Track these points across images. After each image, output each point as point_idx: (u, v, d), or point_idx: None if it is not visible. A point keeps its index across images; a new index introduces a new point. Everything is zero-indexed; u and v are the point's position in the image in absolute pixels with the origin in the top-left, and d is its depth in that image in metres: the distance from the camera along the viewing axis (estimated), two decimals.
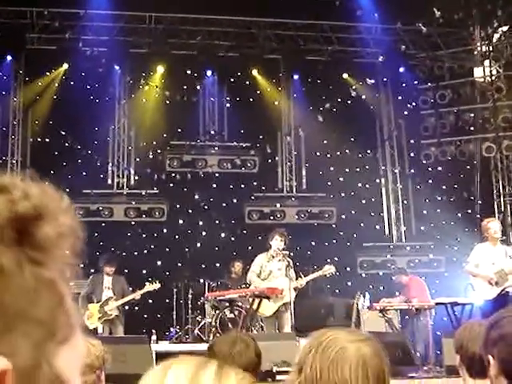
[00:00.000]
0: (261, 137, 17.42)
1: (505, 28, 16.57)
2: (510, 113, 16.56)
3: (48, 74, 16.43)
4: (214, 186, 17.09)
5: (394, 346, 10.45)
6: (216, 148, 17.40)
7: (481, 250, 11.01)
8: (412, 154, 18.00)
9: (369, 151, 18.00)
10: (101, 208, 16.02)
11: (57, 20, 15.51)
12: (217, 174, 17.12)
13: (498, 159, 17.02)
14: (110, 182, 16.83)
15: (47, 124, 16.19)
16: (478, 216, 15.47)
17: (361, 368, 2.13)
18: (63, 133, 16.22)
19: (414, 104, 17.58)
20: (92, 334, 10.86)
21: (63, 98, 15.98)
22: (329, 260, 13.91)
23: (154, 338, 12.74)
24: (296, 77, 17.58)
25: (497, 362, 2.48)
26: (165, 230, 16.52)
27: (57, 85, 16.38)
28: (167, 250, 16.24)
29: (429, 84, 17.19)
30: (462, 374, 3.51)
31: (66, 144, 16.19)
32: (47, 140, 16.37)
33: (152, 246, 16.30)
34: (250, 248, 14.94)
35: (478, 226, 11.56)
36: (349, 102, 17.56)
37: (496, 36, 16.85)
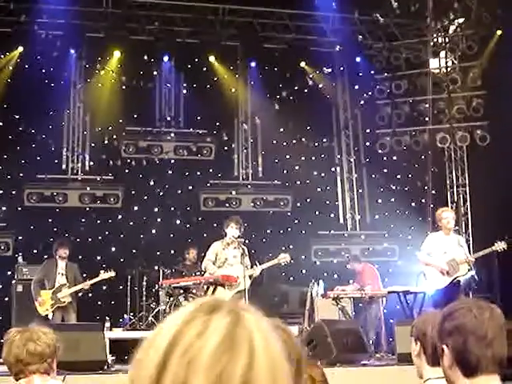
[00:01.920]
0: (217, 124, 17.39)
1: (461, 20, 16.74)
2: (464, 104, 16.74)
3: (2, 57, 16.16)
4: (170, 172, 17.03)
5: (346, 334, 10.54)
6: (172, 134, 17.32)
7: (434, 239, 11.14)
8: (367, 144, 18.14)
9: (325, 140, 18.09)
10: (55, 193, 15.86)
11: (11, 2, 15.25)
12: (172, 161, 17.05)
13: (451, 150, 17.22)
14: (64, 167, 16.66)
15: (1, 108, 15.91)
16: (432, 206, 15.66)
17: None
18: (17, 117, 16.00)
19: (370, 94, 17.68)
20: (45, 322, 10.79)
21: (17, 82, 15.75)
22: (284, 248, 13.96)
23: (107, 325, 12.68)
24: (253, 64, 17.55)
25: (451, 352, 2.51)
26: (119, 217, 16.42)
27: (11, 68, 16.11)
28: (122, 236, 16.15)
29: (385, 74, 17.30)
30: (418, 364, 3.54)
31: (20, 128, 15.98)
32: (1, 124, 16.11)
33: (106, 233, 16.20)
34: (205, 235, 14.93)
35: (431, 215, 11.70)
36: (305, 90, 17.60)
37: (452, 28, 17.01)
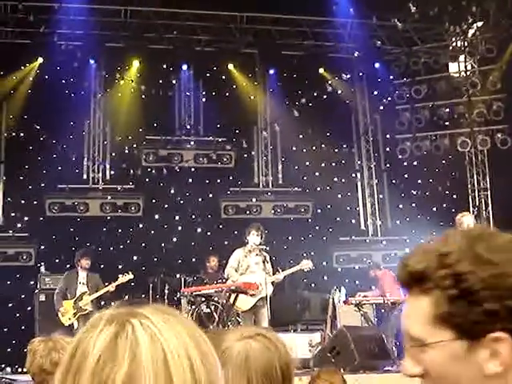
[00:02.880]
0: (237, 131, 17.41)
1: (479, 24, 16.67)
2: (484, 108, 16.67)
3: (22, 68, 16.28)
4: (190, 180, 17.05)
5: (369, 340, 10.50)
6: (192, 143, 17.35)
7: None
8: (387, 149, 18.08)
9: (344, 146, 18.05)
10: (76, 203, 15.93)
11: (31, 14, 15.36)
12: (193, 169, 17.08)
13: (472, 154, 17.13)
14: (85, 176, 16.74)
15: (22, 119, 16.05)
16: (453, 210, 15.57)
17: (243, 365, 2.05)
18: (38, 127, 16.10)
19: (389, 99, 17.64)
20: (68, 331, 10.83)
21: (38, 93, 15.86)
22: (305, 254, 13.94)
23: None
24: (272, 71, 17.57)
25: None
26: (140, 225, 16.46)
27: (31, 79, 16.25)
28: (143, 245, 16.20)
29: (404, 79, 17.26)
30: None
31: (41, 139, 16.08)
32: (22, 135, 16.23)
33: (128, 242, 16.24)
34: (226, 243, 14.94)
35: (452, 220, 11.61)
36: (324, 96, 17.58)
37: (471, 32, 16.95)
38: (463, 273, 1.36)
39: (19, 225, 15.86)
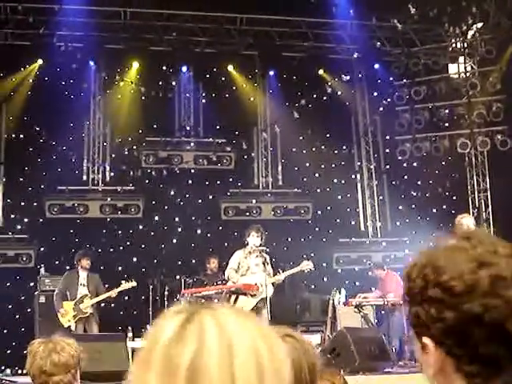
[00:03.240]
0: (236, 133, 17.40)
1: (479, 25, 16.68)
2: (484, 109, 16.68)
3: (22, 69, 16.28)
4: (190, 182, 17.06)
5: (369, 342, 10.50)
6: (192, 144, 17.35)
7: None
8: (387, 150, 18.08)
9: (344, 147, 18.05)
10: (76, 205, 15.92)
11: (31, 15, 15.36)
12: (192, 170, 17.08)
13: (472, 155, 17.14)
14: (85, 178, 16.73)
15: (22, 120, 16.05)
16: (453, 212, 15.57)
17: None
18: (38, 129, 16.11)
19: (389, 100, 17.64)
20: (68, 332, 10.82)
21: (38, 94, 15.87)
22: (305, 256, 13.92)
23: (130, 335, 12.72)
24: (272, 73, 17.57)
25: None
26: (140, 227, 16.46)
27: (31, 80, 16.25)
28: (143, 246, 16.20)
29: (404, 80, 17.26)
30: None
31: (41, 140, 16.08)
32: (21, 136, 16.23)
33: (128, 243, 16.24)
34: (226, 244, 14.97)
35: (452, 221, 11.62)
36: (324, 98, 17.60)
37: (470, 33, 16.95)
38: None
39: (19, 226, 15.86)
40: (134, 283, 12.65)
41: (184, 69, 17.21)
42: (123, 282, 12.63)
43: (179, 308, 1.28)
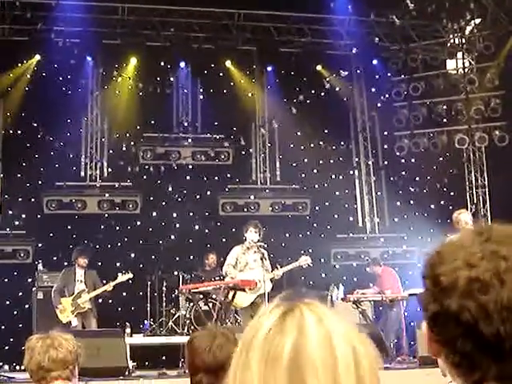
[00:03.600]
0: (234, 129, 17.39)
1: (477, 20, 16.67)
2: (482, 105, 16.67)
3: (20, 65, 16.25)
4: (188, 178, 17.05)
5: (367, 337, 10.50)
6: (189, 140, 17.34)
7: None
8: (385, 146, 18.07)
9: (342, 143, 18.05)
10: (74, 200, 15.90)
11: (28, 10, 15.32)
12: (190, 166, 17.07)
13: (470, 151, 17.14)
14: (82, 174, 16.72)
15: (19, 116, 16.03)
16: (451, 207, 15.57)
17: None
18: (35, 125, 16.09)
19: (387, 96, 17.62)
20: (65, 328, 10.82)
21: (35, 90, 15.86)
22: (303, 252, 13.92)
23: (128, 331, 12.74)
24: (270, 68, 17.57)
25: None
26: (138, 223, 16.45)
27: (29, 76, 16.22)
28: (141, 242, 16.19)
29: (402, 76, 17.25)
30: (443, 367, 3.50)
31: (39, 136, 16.06)
32: (19, 132, 16.21)
33: (125, 239, 16.23)
34: (223, 240, 14.96)
35: (450, 217, 11.63)
36: (322, 93, 17.59)
37: (468, 28, 16.95)
38: None
39: (17, 222, 15.84)
40: (131, 275, 12.65)
41: (182, 64, 17.20)
42: (119, 274, 12.64)
43: (277, 302, 1.32)
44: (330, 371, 1.22)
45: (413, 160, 17.38)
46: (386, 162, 18.07)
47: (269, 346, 1.23)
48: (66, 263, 13.47)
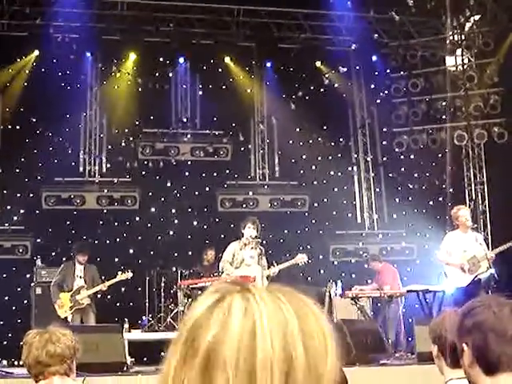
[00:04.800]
0: (233, 125, 17.38)
1: (477, 17, 16.65)
2: (481, 101, 16.66)
3: (18, 60, 16.24)
4: (187, 173, 17.04)
5: (366, 334, 10.51)
6: (188, 136, 17.34)
7: (452, 237, 11.09)
8: (384, 143, 18.06)
9: (341, 139, 18.04)
10: (72, 196, 15.90)
11: (27, 6, 15.31)
12: (189, 162, 17.06)
13: (469, 147, 17.13)
14: (81, 169, 16.71)
15: (18, 111, 16.01)
16: (449, 204, 15.58)
17: None
18: (34, 120, 16.07)
19: (386, 92, 17.62)
20: (64, 324, 10.82)
21: (34, 85, 15.83)
22: (301, 248, 13.95)
23: (126, 326, 12.72)
24: (269, 64, 17.55)
25: (471, 350, 2.48)
26: (137, 219, 16.45)
27: (27, 71, 16.21)
28: (139, 238, 16.19)
29: (401, 72, 17.23)
30: (440, 365, 3.51)
31: (37, 131, 16.04)
32: (18, 127, 16.18)
33: (124, 235, 16.23)
34: (222, 236, 14.95)
35: (449, 213, 11.65)
36: (321, 90, 17.57)
37: (468, 25, 16.92)
38: None
39: (15, 218, 15.84)
40: (130, 274, 12.64)
41: (181, 60, 17.19)
42: (119, 272, 12.63)
43: (218, 287, 1.25)
44: (245, 378, 1.10)
45: (412, 156, 17.38)
46: (384, 159, 18.07)
47: (189, 340, 1.16)
48: (64, 259, 13.47)
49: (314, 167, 17.42)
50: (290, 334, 1.13)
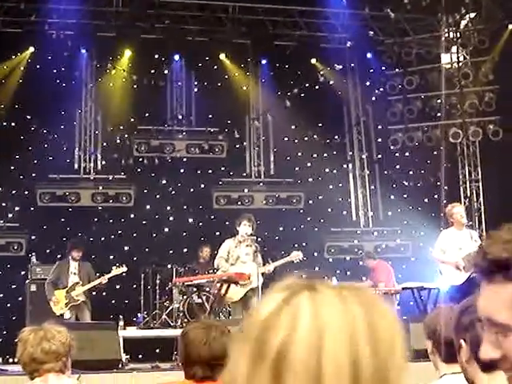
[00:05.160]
0: (229, 122, 17.36)
1: (472, 15, 16.65)
2: (476, 99, 16.67)
3: (13, 57, 16.21)
4: (182, 170, 17.03)
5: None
6: (184, 133, 17.34)
7: (447, 235, 11.09)
8: (379, 140, 18.07)
9: (336, 137, 18.05)
10: (67, 193, 15.88)
11: (22, 2, 15.26)
12: (184, 159, 17.05)
13: (464, 145, 17.15)
14: (76, 166, 16.70)
15: (13, 108, 15.98)
16: (444, 201, 15.59)
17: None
18: (29, 117, 16.04)
19: (381, 90, 17.61)
20: (58, 321, 10.81)
21: (29, 82, 15.80)
22: (296, 245, 13.94)
23: (121, 323, 12.73)
24: (264, 62, 17.56)
25: (469, 346, 2.50)
26: (132, 216, 16.44)
27: (22, 68, 16.18)
28: (134, 235, 16.18)
29: (396, 70, 17.23)
30: (434, 360, 3.52)
31: (32, 128, 16.02)
32: (13, 124, 16.15)
33: (119, 232, 16.21)
34: (217, 233, 14.94)
35: (444, 211, 11.67)
36: (317, 87, 17.57)
37: (463, 23, 16.93)
38: None
39: (10, 215, 15.81)
40: (125, 268, 12.61)
41: (176, 57, 17.18)
42: (114, 267, 12.62)
43: (285, 284, 1.22)
44: (315, 378, 1.11)
45: (407, 154, 17.39)
46: (379, 156, 18.08)
47: (259, 341, 1.15)
48: (59, 256, 13.44)
49: (309, 164, 17.42)
50: (358, 335, 1.14)
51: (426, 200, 16.94)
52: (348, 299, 1.18)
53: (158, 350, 13.16)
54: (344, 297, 1.18)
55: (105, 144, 16.95)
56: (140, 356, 12.77)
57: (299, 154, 17.37)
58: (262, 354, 1.13)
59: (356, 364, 1.12)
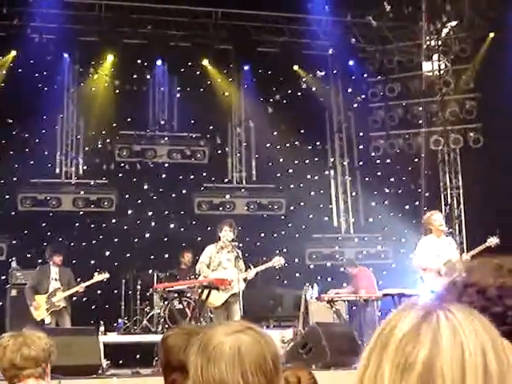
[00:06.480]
0: (211, 127, 17.38)
1: (453, 23, 16.77)
2: (457, 107, 16.77)
3: None
4: (164, 176, 17.02)
5: (341, 337, 10.56)
6: (166, 138, 17.31)
7: (426, 242, 11.13)
8: (361, 147, 18.15)
9: (318, 143, 18.10)
10: (48, 198, 15.83)
11: (4, 6, 15.22)
12: (166, 165, 17.04)
13: (445, 152, 17.23)
14: (58, 171, 16.64)
15: None
16: (425, 208, 15.67)
17: (237, 360, 2.04)
18: (10, 121, 15.97)
19: (363, 97, 17.69)
20: (38, 326, 10.76)
21: (11, 86, 15.73)
22: (278, 251, 13.95)
23: (101, 329, 12.69)
24: (247, 68, 17.58)
25: None
26: (113, 221, 16.40)
27: (4, 72, 16.11)
28: (116, 240, 16.14)
29: (378, 77, 17.32)
30: None
31: (14, 132, 15.95)
32: None
33: (100, 237, 16.16)
34: (199, 239, 14.92)
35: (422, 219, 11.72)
36: (299, 93, 17.63)
37: (445, 31, 17.03)
38: None
39: None
40: (107, 275, 12.57)
41: (159, 62, 17.16)
42: (96, 274, 12.57)
43: (414, 303, 1.31)
44: None
45: (388, 161, 17.47)
46: (361, 163, 18.15)
47: (402, 352, 1.23)
48: (40, 261, 13.38)
49: (290, 171, 17.46)
50: (488, 352, 1.24)
51: (406, 207, 17.02)
52: (474, 319, 1.28)
53: (138, 356, 13.09)
54: (471, 317, 1.29)
55: (86, 149, 16.90)
56: (120, 362, 12.70)
57: (281, 160, 17.39)
58: (408, 366, 1.21)
59: (488, 378, 1.23)
